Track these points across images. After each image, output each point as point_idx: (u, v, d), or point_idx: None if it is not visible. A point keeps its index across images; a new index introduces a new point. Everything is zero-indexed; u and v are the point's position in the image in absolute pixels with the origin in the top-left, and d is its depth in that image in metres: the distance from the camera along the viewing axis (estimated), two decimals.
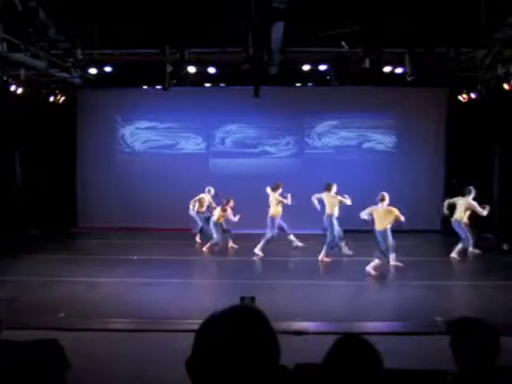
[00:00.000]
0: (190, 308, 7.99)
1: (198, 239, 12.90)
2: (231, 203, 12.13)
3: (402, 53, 9.58)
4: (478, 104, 12.96)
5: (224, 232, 12.13)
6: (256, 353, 1.23)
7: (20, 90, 12.01)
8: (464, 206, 11.10)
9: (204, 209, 12.75)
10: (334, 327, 6.83)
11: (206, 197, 12.73)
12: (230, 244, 12.30)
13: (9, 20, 8.01)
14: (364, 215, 10.22)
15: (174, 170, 14.52)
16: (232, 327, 1.25)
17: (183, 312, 7.75)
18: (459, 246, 11.15)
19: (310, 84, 13.51)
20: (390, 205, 10.32)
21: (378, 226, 10.14)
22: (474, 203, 11.00)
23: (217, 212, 12.01)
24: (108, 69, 10.77)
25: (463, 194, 11.16)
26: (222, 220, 12.03)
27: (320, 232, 13.82)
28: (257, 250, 11.17)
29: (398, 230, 13.54)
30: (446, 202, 11.62)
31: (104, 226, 14.18)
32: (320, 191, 14.28)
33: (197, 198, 12.66)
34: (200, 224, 12.86)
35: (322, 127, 15.02)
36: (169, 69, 10.16)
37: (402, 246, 12.39)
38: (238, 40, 8.92)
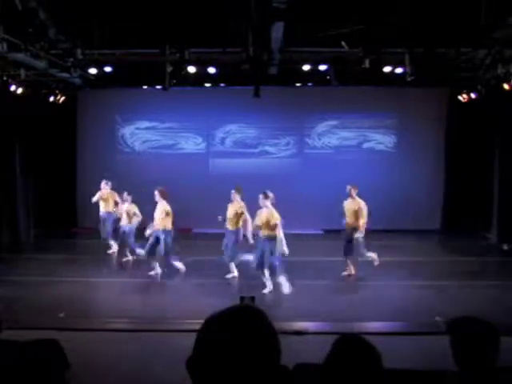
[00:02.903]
0: (190, 308, 7.99)
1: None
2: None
3: (401, 53, 9.58)
4: (478, 104, 12.96)
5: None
6: (256, 353, 1.23)
7: (20, 90, 12.00)
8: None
9: (110, 206, 11.40)
10: (333, 327, 6.84)
11: (106, 191, 11.52)
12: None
13: (9, 20, 8.01)
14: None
15: (174, 170, 14.52)
16: (232, 327, 1.25)
17: (183, 312, 7.76)
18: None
19: (309, 84, 13.50)
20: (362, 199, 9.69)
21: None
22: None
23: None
24: (108, 69, 10.76)
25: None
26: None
27: (319, 232, 13.89)
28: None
29: (398, 229, 13.62)
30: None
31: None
32: (319, 191, 14.35)
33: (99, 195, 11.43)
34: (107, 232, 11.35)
35: (322, 127, 15.02)
36: (169, 69, 10.15)
37: (402, 245, 12.42)
38: (238, 40, 8.91)
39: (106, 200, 11.41)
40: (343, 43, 9.03)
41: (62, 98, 13.96)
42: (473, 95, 13.07)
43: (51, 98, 13.63)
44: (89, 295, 8.92)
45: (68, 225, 14.49)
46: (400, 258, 11.01)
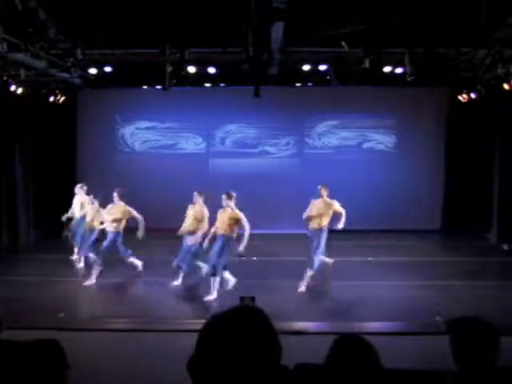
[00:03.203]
0: (191, 308, 7.99)
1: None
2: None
3: (401, 53, 9.58)
4: (478, 104, 12.96)
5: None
6: (257, 353, 1.23)
7: (20, 90, 12.00)
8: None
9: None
10: (334, 327, 6.85)
11: (80, 197, 10.87)
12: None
13: (9, 20, 8.00)
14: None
15: (174, 170, 14.52)
16: (233, 327, 1.25)
17: (183, 312, 7.76)
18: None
19: (309, 84, 13.50)
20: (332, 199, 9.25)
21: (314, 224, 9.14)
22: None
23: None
24: (108, 69, 10.76)
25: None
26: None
27: None
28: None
29: (398, 229, 13.62)
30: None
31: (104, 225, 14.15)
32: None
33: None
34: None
35: (322, 127, 15.02)
36: (169, 69, 10.15)
37: (402, 245, 12.42)
38: (238, 40, 8.91)
39: (82, 205, 10.89)
40: (343, 43, 9.03)
41: (62, 98, 13.96)
42: (473, 95, 13.07)
43: (51, 98, 13.63)
44: (88, 295, 8.93)
45: (68, 225, 14.48)
46: (400, 258, 11.01)
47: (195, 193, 9.32)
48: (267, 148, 15.02)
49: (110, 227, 9.55)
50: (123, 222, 9.58)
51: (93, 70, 10.67)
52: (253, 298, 6.01)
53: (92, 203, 10.25)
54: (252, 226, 12.59)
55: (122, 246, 9.67)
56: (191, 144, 15.15)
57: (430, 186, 14.65)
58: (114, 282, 9.36)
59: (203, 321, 1.31)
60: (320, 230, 9.08)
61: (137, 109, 14.71)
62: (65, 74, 10.92)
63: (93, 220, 10.01)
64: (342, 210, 9.24)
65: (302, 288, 8.87)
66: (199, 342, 1.27)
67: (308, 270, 8.92)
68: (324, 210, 9.14)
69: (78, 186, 11.11)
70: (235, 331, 1.24)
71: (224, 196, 8.51)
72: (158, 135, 15.15)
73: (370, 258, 11.08)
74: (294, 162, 14.95)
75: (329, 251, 9.59)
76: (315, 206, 9.22)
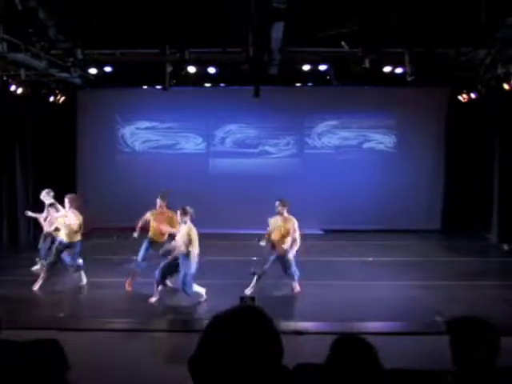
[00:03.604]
0: (191, 308, 7.99)
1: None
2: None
3: (401, 53, 9.58)
4: (478, 104, 12.97)
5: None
6: (260, 353, 1.23)
7: (20, 90, 12.01)
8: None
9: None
10: (334, 327, 6.85)
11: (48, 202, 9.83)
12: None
13: (9, 20, 8.00)
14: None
15: (174, 170, 14.52)
16: (236, 327, 1.25)
17: (184, 312, 7.76)
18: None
19: (310, 84, 13.51)
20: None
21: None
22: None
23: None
24: (108, 69, 10.77)
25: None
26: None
27: (319, 232, 13.89)
28: None
29: (398, 229, 13.62)
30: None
31: (104, 226, 14.16)
32: (319, 191, 14.34)
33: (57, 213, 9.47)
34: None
35: (322, 127, 15.02)
36: (169, 69, 10.16)
37: (402, 245, 12.42)
38: (238, 40, 8.92)
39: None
40: (343, 43, 9.03)
41: (62, 98, 13.96)
42: (473, 95, 13.07)
43: (51, 98, 13.63)
44: (89, 295, 8.92)
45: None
46: (400, 258, 11.01)
47: (158, 199, 9.10)
48: (267, 148, 15.02)
49: (62, 236, 8.93)
50: (81, 231, 8.96)
51: (93, 70, 10.67)
52: (253, 298, 6.01)
53: (48, 210, 9.62)
54: (252, 226, 12.60)
55: (71, 256, 9.05)
56: (191, 144, 15.16)
57: (430, 186, 14.65)
58: (114, 282, 9.35)
59: (203, 321, 1.31)
60: (287, 251, 8.56)
61: (137, 109, 14.72)
62: (65, 74, 10.92)
63: (56, 230, 9.26)
64: (297, 235, 8.55)
65: (297, 288, 8.79)
66: (202, 342, 1.27)
67: (293, 283, 8.76)
68: (285, 228, 8.56)
69: (44, 192, 9.86)
70: (239, 331, 1.24)
71: (179, 211, 8.10)
72: (157, 135, 15.16)
73: (370, 258, 11.09)
74: (294, 162, 14.96)
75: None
76: (274, 227, 8.66)
